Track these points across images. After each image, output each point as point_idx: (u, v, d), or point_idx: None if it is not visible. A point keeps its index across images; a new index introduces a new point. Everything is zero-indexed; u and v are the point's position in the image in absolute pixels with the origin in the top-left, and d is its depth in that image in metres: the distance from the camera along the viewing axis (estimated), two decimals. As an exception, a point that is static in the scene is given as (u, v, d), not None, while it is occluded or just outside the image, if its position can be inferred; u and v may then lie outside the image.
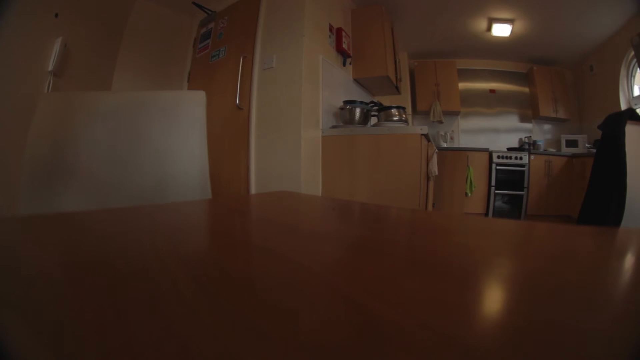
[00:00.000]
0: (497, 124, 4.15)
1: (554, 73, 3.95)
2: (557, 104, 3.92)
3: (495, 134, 4.11)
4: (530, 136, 3.99)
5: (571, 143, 3.80)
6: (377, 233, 0.32)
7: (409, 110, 3.95)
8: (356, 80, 2.77)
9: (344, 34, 2.42)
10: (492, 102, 4.14)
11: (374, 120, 2.35)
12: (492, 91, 4.14)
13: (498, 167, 3.51)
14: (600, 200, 1.44)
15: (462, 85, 4.10)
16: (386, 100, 2.94)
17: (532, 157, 3.52)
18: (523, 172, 3.49)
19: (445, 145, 3.95)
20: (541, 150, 3.76)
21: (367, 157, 1.95)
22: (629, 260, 0.24)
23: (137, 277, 0.18)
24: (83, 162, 0.73)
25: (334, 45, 2.41)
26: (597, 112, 3.54)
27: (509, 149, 3.68)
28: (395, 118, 2.20)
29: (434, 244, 0.27)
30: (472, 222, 0.35)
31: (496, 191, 3.53)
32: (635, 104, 3.17)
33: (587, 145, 3.65)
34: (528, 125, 4.10)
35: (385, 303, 0.14)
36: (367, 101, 2.31)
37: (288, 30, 2.09)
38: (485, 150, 3.60)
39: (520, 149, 3.79)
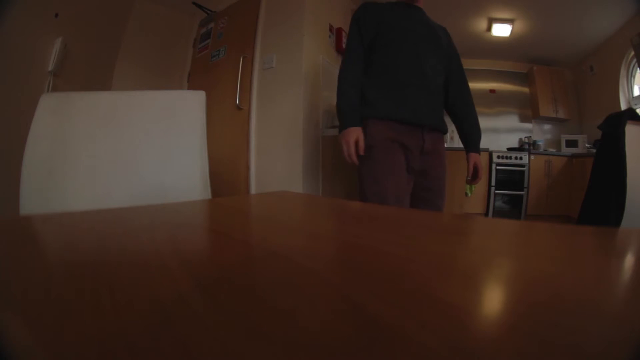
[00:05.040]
0: (497, 124, 4.14)
1: (554, 73, 3.95)
2: (557, 104, 3.92)
3: (495, 134, 4.11)
4: (530, 136, 3.99)
5: (571, 143, 3.80)
6: (377, 233, 0.32)
7: (409, 110, 3.94)
8: (356, 80, 2.76)
9: (344, 34, 2.42)
10: (492, 102, 4.13)
11: (374, 120, 2.35)
12: (492, 91, 4.13)
13: (498, 167, 3.51)
14: (600, 200, 1.44)
15: (462, 85, 4.09)
16: (386, 100, 2.93)
17: (532, 157, 3.52)
18: (523, 172, 3.49)
19: (445, 145, 3.94)
20: (541, 150, 3.76)
21: (367, 157, 1.94)
22: (629, 261, 0.24)
23: (137, 277, 0.18)
24: (83, 162, 0.73)
25: (334, 45, 2.41)
26: (597, 112, 3.54)
27: (509, 149, 3.68)
28: (395, 118, 2.19)
29: (433, 244, 0.27)
30: (472, 222, 0.35)
31: (496, 191, 3.53)
32: (635, 104, 3.17)
33: (587, 145, 3.64)
34: (528, 125, 4.10)
35: (385, 303, 0.14)
36: (367, 101, 2.30)
37: (288, 30, 2.09)
38: (485, 150, 3.59)
39: (520, 149, 3.78)
